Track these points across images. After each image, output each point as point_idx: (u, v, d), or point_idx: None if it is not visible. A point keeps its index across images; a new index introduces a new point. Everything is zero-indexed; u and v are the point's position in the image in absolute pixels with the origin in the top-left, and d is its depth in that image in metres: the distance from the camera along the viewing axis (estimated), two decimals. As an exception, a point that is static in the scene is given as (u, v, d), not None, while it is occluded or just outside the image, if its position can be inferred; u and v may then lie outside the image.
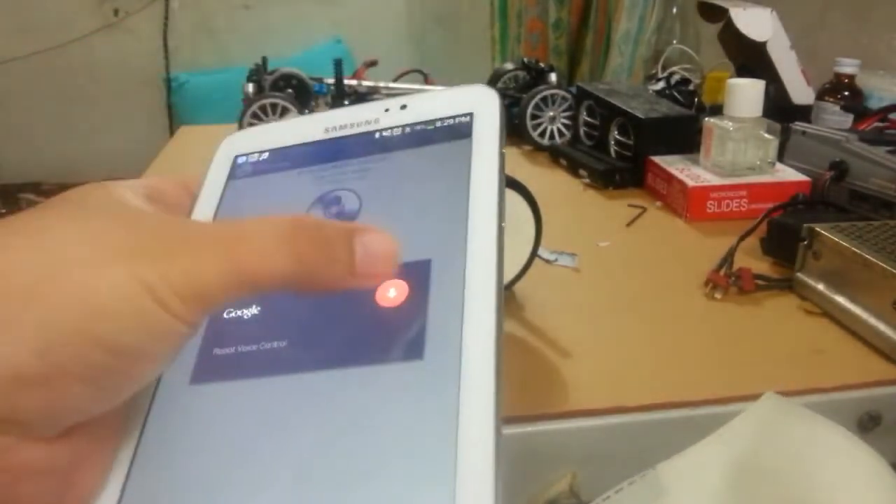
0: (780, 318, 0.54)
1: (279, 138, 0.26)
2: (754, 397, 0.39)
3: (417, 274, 0.21)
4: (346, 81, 1.08)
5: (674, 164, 0.80)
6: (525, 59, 1.16)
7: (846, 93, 0.99)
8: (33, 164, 2.46)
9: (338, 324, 0.21)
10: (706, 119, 0.79)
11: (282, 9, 2.48)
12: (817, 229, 0.55)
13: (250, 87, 1.03)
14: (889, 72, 1.03)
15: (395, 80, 1.18)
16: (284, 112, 0.95)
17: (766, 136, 0.76)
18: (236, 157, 0.26)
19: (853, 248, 0.51)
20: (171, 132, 2.34)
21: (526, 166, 0.96)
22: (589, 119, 0.94)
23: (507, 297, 0.21)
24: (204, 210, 0.24)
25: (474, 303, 0.20)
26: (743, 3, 0.99)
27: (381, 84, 1.11)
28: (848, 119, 0.96)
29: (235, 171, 0.25)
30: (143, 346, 0.18)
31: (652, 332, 0.52)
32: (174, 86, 2.48)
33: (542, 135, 0.99)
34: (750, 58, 1.00)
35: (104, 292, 0.18)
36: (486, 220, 0.21)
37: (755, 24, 0.97)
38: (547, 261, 0.62)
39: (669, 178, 0.78)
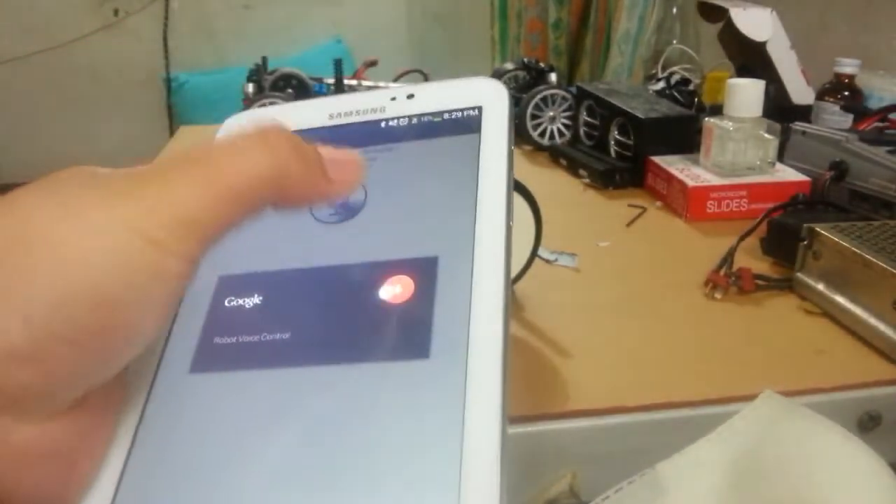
0: (780, 318, 0.54)
1: (282, 122, 0.26)
2: (754, 397, 0.39)
3: (424, 271, 0.21)
4: (346, 81, 1.08)
5: (674, 164, 0.80)
6: (525, 59, 1.16)
7: (846, 93, 0.99)
8: (33, 163, 2.46)
9: (342, 319, 0.20)
10: (706, 119, 0.79)
11: (282, 9, 2.48)
12: (817, 229, 0.55)
13: (250, 87, 1.03)
14: (889, 72, 1.03)
15: (395, 80, 1.18)
16: (284, 112, 0.95)
17: (766, 136, 0.76)
18: None
19: (853, 248, 0.51)
20: (171, 132, 2.34)
21: (526, 166, 0.96)
22: (589, 119, 0.94)
23: (511, 301, 0.21)
24: None
25: (482, 303, 0.19)
26: (743, 3, 0.99)
27: (381, 84, 1.11)
28: (848, 119, 0.96)
29: None
30: (137, 295, 0.17)
31: (652, 332, 0.52)
32: (174, 86, 2.48)
33: (542, 135, 0.99)
34: (750, 58, 1.00)
35: (87, 244, 0.17)
36: (495, 220, 0.21)
37: (755, 24, 0.97)
38: (547, 261, 0.62)
39: (669, 178, 0.78)
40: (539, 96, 0.98)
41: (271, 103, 0.95)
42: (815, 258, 0.55)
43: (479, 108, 0.24)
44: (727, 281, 0.57)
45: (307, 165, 0.20)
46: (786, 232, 0.60)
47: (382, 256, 0.21)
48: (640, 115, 0.84)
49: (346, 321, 0.20)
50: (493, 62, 2.09)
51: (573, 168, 0.91)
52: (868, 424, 0.45)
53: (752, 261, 0.61)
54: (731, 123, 0.76)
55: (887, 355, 0.48)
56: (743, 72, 1.01)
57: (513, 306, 0.54)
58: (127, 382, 0.20)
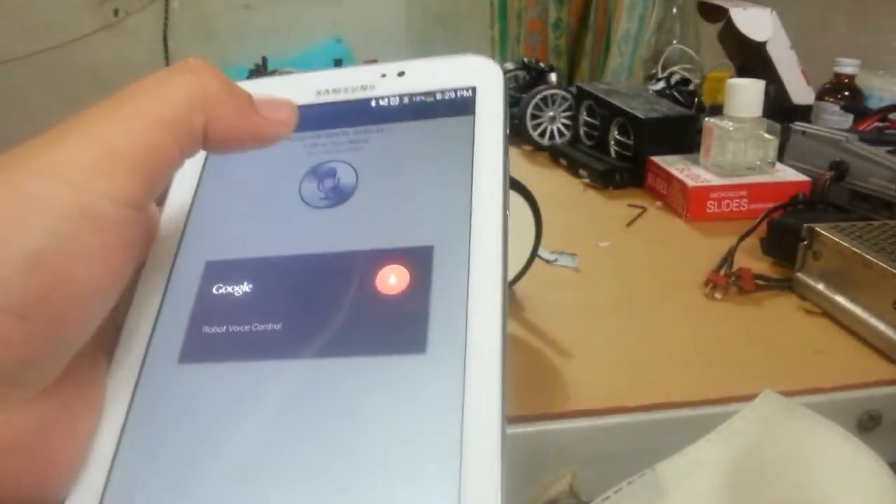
0: (780, 318, 0.54)
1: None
2: (754, 397, 0.39)
3: (419, 261, 0.20)
4: (346, 81, 1.08)
5: (674, 164, 0.80)
6: (525, 59, 1.16)
7: (846, 93, 0.99)
8: (33, 164, 2.46)
9: (335, 310, 0.20)
10: (706, 119, 0.79)
11: (282, 9, 2.48)
12: (817, 229, 0.55)
13: (250, 87, 1.02)
14: (889, 72, 1.03)
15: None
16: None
17: (766, 136, 0.76)
18: None
19: (853, 248, 0.51)
20: (172, 132, 2.33)
21: (526, 166, 0.96)
22: (589, 119, 0.94)
23: (508, 296, 0.20)
24: (186, 179, 0.23)
25: (479, 294, 0.19)
26: (743, 3, 0.99)
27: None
28: (848, 119, 0.95)
29: None
30: (71, 248, 0.16)
31: (652, 332, 0.52)
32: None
33: (542, 135, 0.99)
34: (750, 58, 1.00)
35: (4, 201, 0.15)
36: (492, 209, 0.20)
37: (755, 24, 0.97)
38: (547, 261, 0.62)
39: (669, 178, 0.78)
40: (539, 96, 0.98)
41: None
42: (815, 258, 0.55)
43: (473, 89, 0.23)
44: (727, 281, 0.57)
45: (233, 94, 0.19)
46: (786, 232, 0.60)
47: (376, 245, 0.21)
48: (640, 115, 0.84)
49: (340, 312, 0.20)
50: (493, 62, 2.09)
51: (573, 168, 0.91)
52: (868, 424, 0.45)
53: (752, 261, 0.61)
54: (731, 123, 0.76)
55: (887, 355, 0.48)
56: (743, 72, 1.01)
57: (512, 304, 0.54)
58: (112, 371, 0.19)
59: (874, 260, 0.49)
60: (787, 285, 0.57)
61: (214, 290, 0.21)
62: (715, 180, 0.75)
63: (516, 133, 0.99)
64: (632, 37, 1.64)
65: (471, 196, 0.21)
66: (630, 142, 0.86)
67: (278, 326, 0.20)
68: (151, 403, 0.19)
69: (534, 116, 0.99)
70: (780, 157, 0.79)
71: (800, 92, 1.00)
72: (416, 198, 0.21)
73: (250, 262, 0.21)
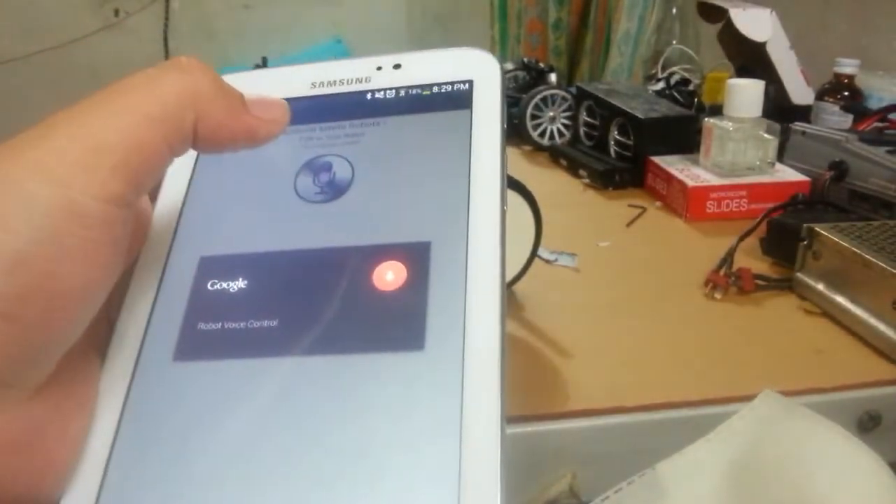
0: (780, 318, 0.54)
1: (259, 90, 0.24)
2: (754, 397, 0.39)
3: (416, 257, 0.20)
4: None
5: (674, 164, 0.80)
6: (525, 60, 1.16)
7: (846, 93, 0.99)
8: (33, 164, 2.45)
9: (331, 306, 0.19)
10: (706, 119, 0.79)
11: (282, 9, 2.48)
12: (817, 229, 0.55)
13: (250, 88, 1.02)
14: (889, 72, 1.03)
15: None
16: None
17: (766, 136, 0.76)
18: None
19: (853, 248, 0.51)
20: (172, 132, 2.33)
21: (526, 166, 0.96)
22: (589, 119, 0.94)
23: (508, 296, 0.20)
24: (179, 174, 0.22)
25: (477, 291, 0.19)
26: (743, 3, 0.99)
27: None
28: (847, 119, 0.96)
29: None
30: (54, 248, 0.15)
31: (652, 332, 0.52)
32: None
33: (542, 135, 0.99)
34: (750, 58, 1.00)
35: None
36: (489, 202, 0.20)
37: (755, 24, 0.97)
38: (547, 261, 0.62)
39: (669, 178, 0.78)
40: (539, 96, 0.98)
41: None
42: (814, 258, 0.55)
43: (470, 83, 0.23)
44: (727, 281, 0.57)
45: (224, 92, 0.19)
46: (786, 232, 0.60)
47: (372, 240, 0.20)
48: (639, 115, 0.84)
49: (336, 308, 0.19)
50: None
51: (573, 168, 0.91)
52: (868, 424, 0.45)
53: (752, 261, 0.61)
54: (730, 123, 0.76)
55: (887, 355, 0.48)
56: (743, 72, 1.01)
57: (512, 304, 0.54)
58: (106, 369, 0.19)
59: (874, 260, 0.49)
60: (786, 285, 0.57)
61: (209, 287, 0.20)
62: (715, 180, 0.75)
63: (516, 133, 0.99)
64: (632, 37, 1.64)
65: (468, 191, 0.20)
66: (630, 142, 0.86)
67: (274, 323, 0.19)
68: (146, 401, 0.19)
69: (534, 116, 0.99)
70: (780, 157, 0.79)
71: (799, 92, 1.00)
72: (412, 193, 0.21)
73: (245, 257, 0.21)
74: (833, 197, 0.71)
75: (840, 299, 0.52)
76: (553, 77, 1.10)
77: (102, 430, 0.19)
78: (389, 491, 0.17)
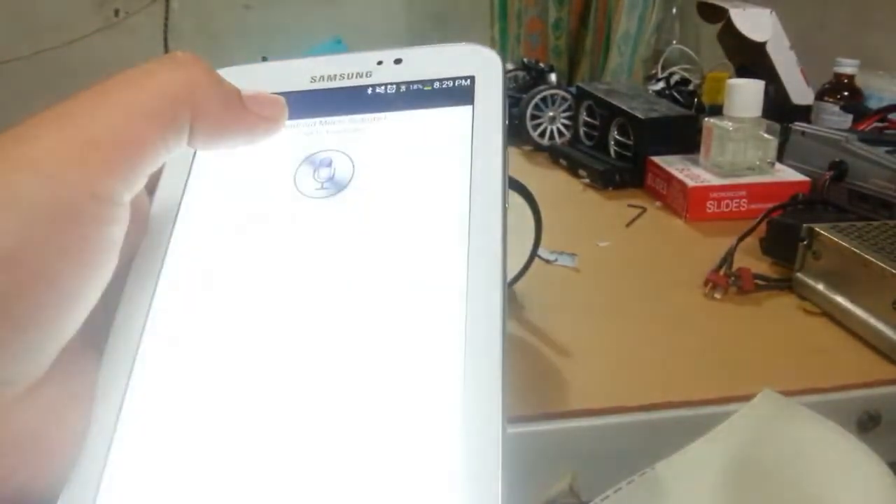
0: (779, 318, 0.54)
1: (259, 84, 0.23)
2: (754, 397, 0.39)
3: (417, 253, 0.20)
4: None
5: (673, 164, 0.80)
6: (525, 60, 1.16)
7: (846, 93, 0.99)
8: (33, 164, 2.45)
9: (332, 303, 0.19)
10: (706, 119, 0.79)
11: (282, 9, 2.48)
12: (817, 229, 0.55)
13: (250, 88, 1.02)
14: (889, 72, 1.03)
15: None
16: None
17: (766, 136, 0.76)
18: None
19: (853, 248, 0.51)
20: (172, 132, 2.33)
21: (526, 166, 0.96)
22: (589, 119, 0.94)
23: (508, 295, 0.20)
24: (177, 169, 0.22)
25: (478, 290, 0.18)
26: (743, 3, 0.99)
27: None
28: (847, 119, 0.96)
29: None
30: (42, 245, 0.15)
31: (652, 332, 0.52)
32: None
33: (542, 135, 0.99)
34: (749, 58, 1.01)
35: None
36: (491, 201, 0.20)
37: (755, 24, 0.97)
38: (547, 261, 0.62)
39: (669, 178, 0.78)
40: (539, 96, 0.98)
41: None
42: (814, 258, 0.55)
43: (472, 79, 0.22)
44: (727, 281, 0.57)
45: (221, 88, 0.19)
46: (785, 232, 0.60)
47: (372, 237, 0.20)
48: (639, 115, 0.84)
49: (337, 305, 0.19)
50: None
51: (573, 168, 0.91)
52: (867, 424, 0.45)
53: (752, 261, 0.61)
54: (730, 123, 0.76)
55: (887, 355, 0.48)
56: (742, 72, 1.01)
57: (512, 304, 0.54)
58: (104, 363, 0.19)
59: (874, 260, 0.49)
60: (786, 285, 0.57)
61: (207, 282, 0.20)
62: (715, 180, 0.75)
63: (516, 133, 0.99)
64: (632, 37, 1.65)
65: (469, 188, 0.20)
66: (630, 142, 0.86)
67: (274, 318, 0.19)
68: (145, 394, 0.19)
69: (534, 116, 0.99)
70: (780, 157, 0.79)
71: (799, 92, 1.00)
72: (413, 190, 0.21)
73: (244, 252, 0.21)
74: (833, 197, 0.71)
75: (840, 299, 0.52)
76: (553, 77, 1.10)
77: (102, 424, 0.18)
78: (390, 493, 0.17)
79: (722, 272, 0.57)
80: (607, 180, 0.85)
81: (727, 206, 0.74)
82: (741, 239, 0.61)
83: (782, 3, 1.02)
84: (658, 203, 0.79)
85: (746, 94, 0.75)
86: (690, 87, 1.07)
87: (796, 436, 0.36)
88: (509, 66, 1.17)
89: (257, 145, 0.21)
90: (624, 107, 0.86)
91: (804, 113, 0.98)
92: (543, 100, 0.99)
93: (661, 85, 1.05)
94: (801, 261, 0.56)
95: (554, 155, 0.96)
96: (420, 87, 0.23)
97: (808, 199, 0.70)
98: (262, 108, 0.20)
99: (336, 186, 0.21)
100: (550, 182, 0.89)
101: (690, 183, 0.74)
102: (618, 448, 0.42)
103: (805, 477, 0.34)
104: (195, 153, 0.22)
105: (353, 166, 0.22)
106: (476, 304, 0.19)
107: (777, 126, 0.77)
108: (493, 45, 2.11)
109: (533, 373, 0.47)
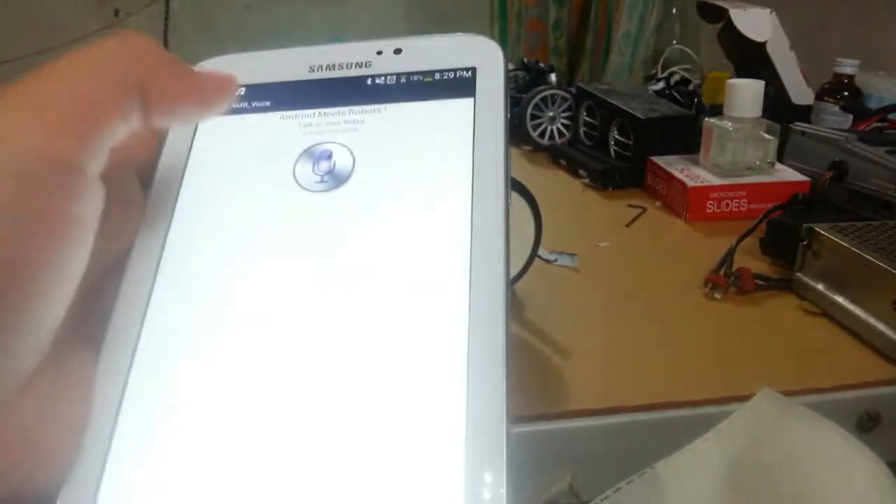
0: (779, 318, 0.54)
1: (257, 72, 0.23)
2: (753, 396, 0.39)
3: (419, 250, 0.19)
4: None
5: (673, 164, 0.80)
6: (525, 60, 1.16)
7: (846, 93, 0.99)
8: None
9: (332, 298, 0.19)
10: (706, 119, 0.79)
11: (282, 9, 2.48)
12: (817, 229, 0.55)
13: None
14: (889, 72, 1.03)
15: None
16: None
17: (766, 136, 0.76)
18: None
19: (853, 248, 0.51)
20: (172, 132, 2.33)
21: (526, 166, 0.96)
22: (589, 119, 0.94)
23: (510, 290, 0.19)
24: (173, 155, 0.22)
25: (480, 291, 0.18)
26: (743, 3, 0.99)
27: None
28: (847, 119, 0.96)
29: None
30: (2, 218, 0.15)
31: (651, 332, 0.52)
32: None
33: (542, 135, 0.99)
34: (749, 58, 1.00)
35: None
36: (493, 197, 0.20)
37: (755, 24, 0.97)
38: (547, 261, 0.62)
39: (669, 178, 0.78)
40: (539, 96, 0.98)
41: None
42: (814, 258, 0.55)
43: (473, 70, 0.22)
44: (727, 281, 0.57)
45: (170, 56, 0.19)
46: (785, 232, 0.60)
47: (374, 231, 0.20)
48: (639, 115, 0.84)
49: (337, 302, 0.19)
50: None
51: (573, 168, 0.91)
52: (867, 424, 0.45)
53: (752, 261, 0.61)
54: (730, 123, 0.76)
55: (887, 355, 0.48)
56: (742, 72, 1.01)
57: (512, 304, 0.54)
58: (103, 360, 0.19)
59: (874, 260, 0.49)
60: (786, 285, 0.57)
61: (206, 276, 0.20)
62: (714, 180, 0.75)
63: (516, 133, 0.99)
64: (632, 37, 1.65)
65: (472, 182, 0.20)
66: (630, 142, 0.86)
67: (274, 313, 0.19)
68: (145, 390, 0.19)
69: (534, 117, 0.99)
70: (780, 157, 0.79)
71: (799, 92, 1.00)
72: (414, 185, 0.21)
73: (243, 247, 0.20)
74: (833, 197, 0.71)
75: (840, 299, 0.52)
76: (553, 77, 1.10)
77: (102, 421, 0.18)
78: (395, 493, 0.16)
79: (722, 272, 0.57)
80: (607, 180, 0.85)
81: (727, 206, 0.74)
82: (741, 239, 0.61)
83: (782, 3, 1.02)
84: (658, 203, 0.79)
85: (746, 94, 0.75)
86: (690, 87, 1.07)
87: (795, 435, 0.36)
88: (509, 67, 1.17)
89: (256, 134, 0.21)
90: (624, 107, 0.86)
91: (804, 113, 0.98)
92: (543, 100, 0.99)
93: (661, 85, 1.05)
94: (801, 261, 0.56)
95: (554, 155, 0.96)
96: (420, 77, 0.22)
97: (808, 199, 0.70)
98: (211, 81, 0.20)
99: (336, 180, 0.21)
100: (550, 182, 0.89)
101: (690, 183, 0.74)
102: (618, 448, 0.42)
103: (804, 477, 0.34)
104: (192, 145, 0.22)
105: (354, 159, 0.21)
106: (479, 300, 0.18)
107: (777, 126, 0.77)
108: (493, 45, 2.11)
109: (533, 373, 0.47)
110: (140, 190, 0.21)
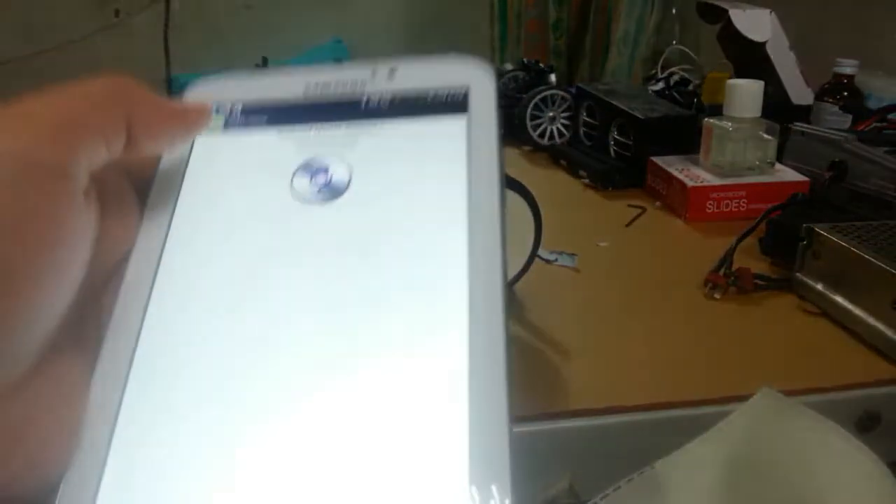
0: (779, 318, 0.54)
1: (253, 91, 0.24)
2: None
3: (416, 260, 0.20)
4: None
5: (673, 165, 0.80)
6: (524, 60, 1.16)
7: (845, 93, 0.99)
8: (34, 164, 2.45)
9: (331, 309, 0.19)
10: (705, 119, 0.79)
11: (282, 9, 2.48)
12: (816, 229, 0.55)
13: (251, 88, 1.03)
14: (888, 72, 1.03)
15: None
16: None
17: (766, 136, 0.76)
18: None
19: (852, 248, 0.51)
20: (172, 133, 2.33)
21: (526, 166, 0.96)
22: (588, 119, 0.94)
23: (509, 297, 0.20)
24: (169, 171, 0.22)
25: (479, 300, 0.19)
26: (742, 3, 0.99)
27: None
28: (847, 119, 0.96)
29: None
30: None
31: (652, 332, 0.52)
32: (175, 87, 2.48)
33: (541, 135, 0.99)
34: (749, 58, 1.01)
35: None
36: (489, 208, 0.20)
37: (754, 24, 0.97)
38: (547, 261, 0.62)
39: (669, 178, 0.78)
40: (539, 97, 0.98)
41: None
42: (814, 258, 0.55)
43: (466, 89, 0.23)
44: (726, 281, 0.57)
45: (151, 92, 0.20)
46: (785, 232, 0.60)
47: (370, 245, 0.20)
48: (639, 115, 0.84)
49: (336, 312, 0.19)
50: (492, 63, 2.09)
51: (573, 168, 0.91)
52: (867, 424, 0.45)
53: (752, 261, 0.61)
54: (730, 124, 0.76)
55: (886, 355, 0.48)
56: (742, 72, 1.01)
57: (512, 304, 0.54)
58: (102, 360, 0.19)
59: (873, 260, 0.49)
60: (786, 285, 0.57)
61: (203, 287, 0.20)
62: (714, 180, 0.75)
63: (516, 133, 0.99)
64: (631, 37, 1.65)
65: (467, 197, 0.21)
66: (629, 142, 0.86)
67: (273, 321, 0.19)
68: (146, 386, 0.19)
69: (533, 117, 0.99)
70: (780, 157, 0.79)
71: (799, 92, 1.00)
72: (410, 199, 0.21)
73: (241, 258, 0.21)
74: (833, 197, 0.71)
75: (839, 299, 0.52)
76: (553, 77, 1.10)
77: (102, 421, 0.18)
78: (400, 490, 0.17)
79: (722, 272, 0.58)
80: (607, 180, 0.85)
81: (727, 206, 0.74)
82: (741, 239, 0.61)
83: (782, 4, 1.02)
84: (658, 203, 0.79)
85: (746, 95, 0.76)
86: (690, 88, 1.07)
87: (795, 435, 0.36)
88: (509, 67, 1.17)
89: (252, 153, 0.21)
90: (624, 107, 0.86)
91: (804, 113, 0.98)
92: (543, 100, 0.99)
93: (660, 85, 1.05)
94: (801, 261, 0.57)
95: (554, 155, 0.96)
96: (415, 97, 0.23)
97: (808, 199, 0.70)
98: (186, 108, 0.21)
99: (333, 192, 0.21)
100: (550, 182, 0.89)
101: (690, 183, 0.74)
102: (618, 448, 0.42)
103: (803, 476, 0.34)
104: (189, 158, 0.23)
105: (350, 172, 0.22)
106: (478, 302, 0.19)
107: (777, 126, 0.77)
108: (492, 46, 2.11)
109: (533, 373, 0.47)
110: (136, 201, 0.22)
